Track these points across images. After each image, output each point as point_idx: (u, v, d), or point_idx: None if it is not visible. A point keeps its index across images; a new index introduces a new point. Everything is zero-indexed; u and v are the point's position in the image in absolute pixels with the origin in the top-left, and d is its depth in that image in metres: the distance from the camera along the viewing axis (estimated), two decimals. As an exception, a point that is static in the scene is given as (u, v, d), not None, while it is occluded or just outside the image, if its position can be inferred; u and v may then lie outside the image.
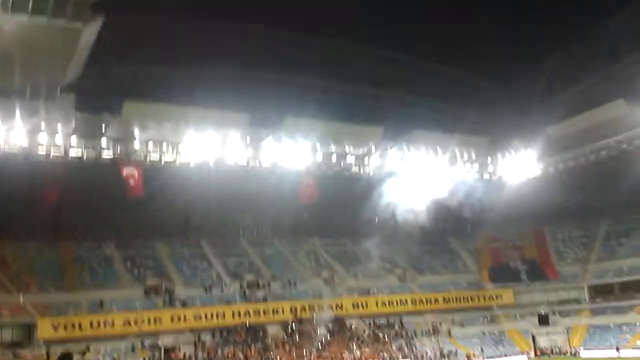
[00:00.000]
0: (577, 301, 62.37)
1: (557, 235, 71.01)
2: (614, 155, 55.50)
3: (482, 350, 55.95)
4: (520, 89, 64.42)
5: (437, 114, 61.11)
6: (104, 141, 43.40)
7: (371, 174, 54.67)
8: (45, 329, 42.55)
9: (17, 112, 39.01)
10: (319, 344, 49.94)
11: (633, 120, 51.05)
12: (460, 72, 61.65)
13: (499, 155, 60.00)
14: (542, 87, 61.89)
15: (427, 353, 53.46)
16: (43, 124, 40.64)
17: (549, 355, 56.86)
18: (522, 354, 57.24)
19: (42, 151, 41.23)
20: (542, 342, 59.00)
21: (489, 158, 60.47)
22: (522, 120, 61.49)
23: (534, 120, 59.40)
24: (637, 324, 54.82)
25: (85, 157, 42.72)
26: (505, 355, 56.36)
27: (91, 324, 44.49)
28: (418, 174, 54.68)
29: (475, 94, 63.43)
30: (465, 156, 57.77)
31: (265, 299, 53.75)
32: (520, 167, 59.65)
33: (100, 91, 42.69)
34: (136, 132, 43.30)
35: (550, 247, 69.74)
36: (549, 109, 60.69)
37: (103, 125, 42.82)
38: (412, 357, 51.45)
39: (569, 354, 56.08)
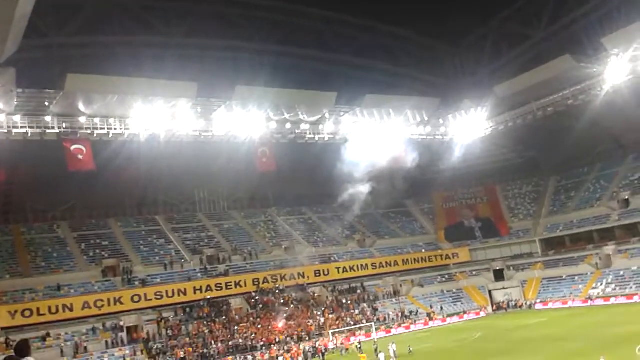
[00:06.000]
0: (530, 255, 64.18)
1: (509, 193, 72.78)
2: (561, 111, 56.04)
3: (441, 308, 57.41)
4: (469, 49, 64.59)
5: (389, 78, 61.01)
6: (48, 118, 41.45)
7: (326, 139, 54.38)
8: (2, 317, 41.16)
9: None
10: (284, 313, 50.09)
11: (578, 75, 51.37)
12: (408, 34, 61.37)
13: (450, 116, 60.32)
14: (489, 47, 62.09)
15: (389, 315, 54.47)
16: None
17: (505, 310, 58.62)
18: (480, 309, 58.86)
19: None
20: (499, 296, 60.78)
21: (441, 119, 60.76)
22: (471, 80, 61.91)
23: (482, 80, 59.79)
24: (589, 274, 56.26)
25: (29, 134, 40.71)
26: (465, 312, 57.88)
27: (50, 309, 43.24)
28: (372, 138, 54.69)
29: (426, 56, 63.52)
30: (418, 118, 57.74)
31: (227, 273, 53.37)
32: (472, 126, 60.05)
33: (41, 65, 40.49)
34: (81, 106, 41.33)
35: (502, 204, 71.43)
36: (496, 68, 61.27)
37: (46, 101, 40.73)
38: (375, 320, 52.13)
39: (524, 306, 57.83)
